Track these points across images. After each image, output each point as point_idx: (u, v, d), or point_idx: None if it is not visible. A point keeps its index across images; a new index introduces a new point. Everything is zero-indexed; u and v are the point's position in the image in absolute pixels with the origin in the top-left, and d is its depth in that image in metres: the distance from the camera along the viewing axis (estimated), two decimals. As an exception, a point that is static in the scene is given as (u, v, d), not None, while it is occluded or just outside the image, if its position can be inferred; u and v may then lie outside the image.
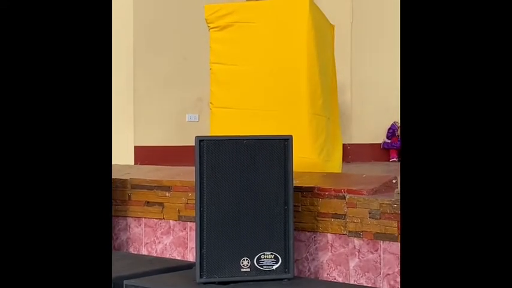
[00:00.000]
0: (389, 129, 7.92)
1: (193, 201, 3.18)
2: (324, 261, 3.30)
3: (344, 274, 3.22)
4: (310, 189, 3.34)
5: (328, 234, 3.29)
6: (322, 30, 4.30)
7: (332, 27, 4.65)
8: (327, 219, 3.28)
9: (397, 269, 3.01)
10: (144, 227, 4.00)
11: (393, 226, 3.03)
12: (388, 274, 3.07)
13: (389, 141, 7.89)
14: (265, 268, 3.08)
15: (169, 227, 3.90)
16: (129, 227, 4.06)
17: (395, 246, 3.02)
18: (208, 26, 4.19)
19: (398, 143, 7.55)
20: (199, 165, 3.09)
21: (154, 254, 3.94)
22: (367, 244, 3.15)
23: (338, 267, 3.25)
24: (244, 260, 3.08)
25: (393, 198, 3.08)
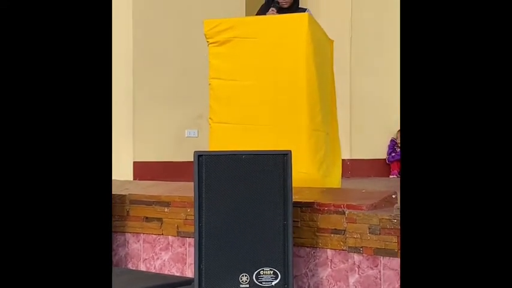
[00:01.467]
0: (389, 144, 7.92)
1: (192, 217, 3.16)
2: (324, 277, 3.28)
3: (344, 290, 3.20)
4: (309, 205, 3.33)
5: (328, 249, 3.28)
6: (321, 45, 4.30)
7: (331, 42, 4.66)
8: (327, 234, 3.27)
9: (397, 284, 2.99)
10: (143, 243, 3.98)
11: (393, 241, 3.01)
12: (388, 290, 3.05)
13: (392, 154, 7.89)
14: (264, 284, 3.06)
15: (168, 243, 3.88)
16: (128, 242, 4.04)
17: (396, 262, 3.00)
18: (208, 41, 4.19)
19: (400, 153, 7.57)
20: (198, 180, 3.08)
21: (153, 270, 3.92)
22: (367, 260, 3.13)
23: (338, 283, 3.23)
24: (243, 275, 3.06)
25: (393, 214, 3.07)
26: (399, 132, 7.72)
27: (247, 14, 6.61)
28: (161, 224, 3.89)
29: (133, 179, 6.17)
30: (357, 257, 3.17)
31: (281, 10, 4.32)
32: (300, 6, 4.47)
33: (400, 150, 2.44)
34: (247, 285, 3.05)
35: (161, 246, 3.91)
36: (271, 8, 4.31)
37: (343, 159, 4.94)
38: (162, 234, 3.89)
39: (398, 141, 7.74)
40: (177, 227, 3.82)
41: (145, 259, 3.97)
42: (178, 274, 3.81)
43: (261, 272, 3.06)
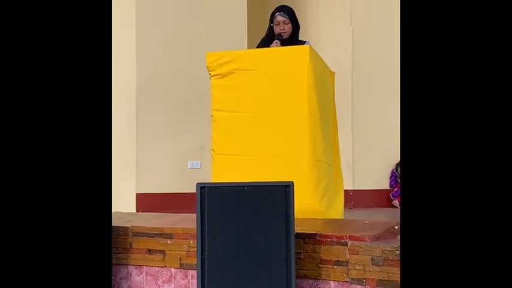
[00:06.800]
0: (390, 177, 7.91)
1: (195, 249, 3.16)
2: (327, 309, 3.26)
3: (347, 322, 3.19)
4: (312, 236, 3.33)
5: (331, 281, 3.26)
6: (323, 77, 4.34)
7: (332, 74, 4.69)
8: (329, 266, 3.26)
9: (401, 316, 2.97)
10: (146, 276, 3.97)
11: (396, 273, 3.00)
12: (392, 322, 3.03)
13: (395, 189, 7.87)
14: (267, 316, 3.04)
15: (171, 275, 3.86)
16: (131, 275, 4.03)
17: (399, 294, 2.99)
18: (210, 74, 4.22)
19: None
20: (201, 212, 3.08)
21: (156, 303, 3.90)
22: (370, 291, 3.11)
23: (341, 315, 3.21)
24: (246, 308, 3.04)
25: (396, 245, 3.06)
26: (397, 165, 7.73)
27: (249, 46, 6.66)
28: (164, 256, 3.88)
29: (136, 211, 6.16)
30: (360, 289, 3.15)
31: (283, 42, 4.37)
32: (300, 38, 4.52)
33: (400, 182, 2.44)
34: (250, 318, 3.04)
35: (164, 278, 3.89)
36: (275, 41, 4.36)
37: (345, 190, 4.94)
38: (165, 266, 3.88)
39: (399, 173, 7.74)
40: (180, 259, 3.81)
41: (148, 291, 3.96)
42: (181, 306, 3.79)
43: (264, 304, 3.05)
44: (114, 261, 4.00)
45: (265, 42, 4.47)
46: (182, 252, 3.80)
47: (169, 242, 3.86)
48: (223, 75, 4.19)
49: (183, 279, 3.81)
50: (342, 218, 4.52)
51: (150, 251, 3.95)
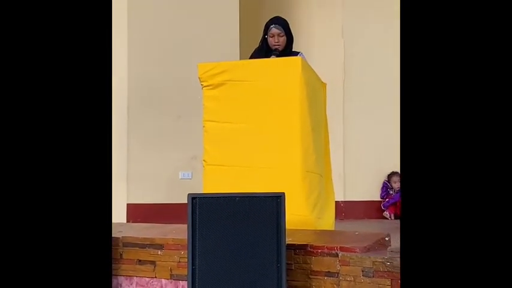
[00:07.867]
0: (382, 188, 7.93)
1: (186, 260, 3.15)
2: (318, 321, 3.26)
3: (338, 333, 3.18)
4: (303, 247, 3.33)
5: (322, 292, 3.26)
6: (314, 88, 4.35)
7: (324, 85, 4.71)
8: (320, 277, 3.26)
9: (392, 328, 2.97)
10: (136, 286, 3.96)
11: (386, 284, 3.01)
12: (383, 333, 3.03)
13: (386, 200, 7.89)
14: (258, 328, 3.04)
15: (161, 286, 3.85)
16: (121, 286, 4.01)
17: (389, 305, 2.99)
18: (202, 85, 4.23)
19: (394, 197, 7.59)
20: (192, 222, 3.08)
21: (146, 314, 3.89)
22: (361, 303, 3.11)
23: (332, 326, 3.21)
24: (236, 319, 3.03)
25: (386, 256, 3.07)
26: (389, 176, 7.76)
27: (242, 57, 6.68)
28: (154, 266, 3.87)
29: (127, 221, 6.15)
30: (350, 300, 3.15)
31: (277, 54, 4.38)
32: (293, 49, 4.53)
33: (400, 193, 2.45)
34: (241, 329, 3.03)
35: (154, 289, 3.88)
36: (272, 56, 4.37)
37: (336, 201, 4.95)
38: (155, 277, 3.87)
39: (391, 184, 7.76)
40: (171, 270, 3.80)
41: (138, 302, 3.94)
42: (171, 317, 3.78)
43: (255, 315, 3.04)
44: (104, 271, 3.98)
45: (258, 53, 4.48)
46: (173, 263, 3.79)
47: (159, 253, 3.85)
48: (215, 86, 4.19)
49: (174, 290, 3.80)
50: (333, 229, 4.52)
51: (140, 262, 3.94)
